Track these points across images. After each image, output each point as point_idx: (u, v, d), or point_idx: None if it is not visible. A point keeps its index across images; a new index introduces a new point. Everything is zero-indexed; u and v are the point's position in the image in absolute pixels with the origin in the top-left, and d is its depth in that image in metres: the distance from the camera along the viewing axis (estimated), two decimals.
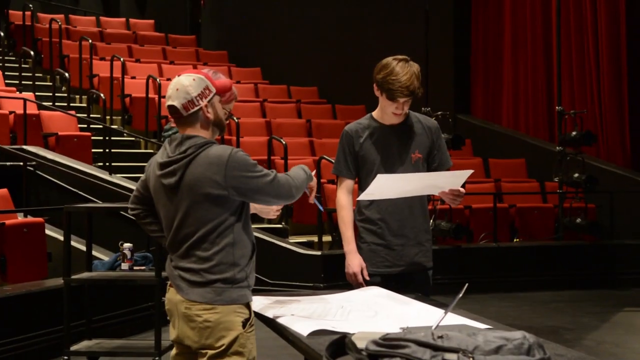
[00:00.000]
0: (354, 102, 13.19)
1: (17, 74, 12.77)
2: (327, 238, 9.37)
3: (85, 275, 5.87)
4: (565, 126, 10.75)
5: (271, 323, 3.05)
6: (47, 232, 7.43)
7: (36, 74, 12.76)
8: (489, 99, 13.40)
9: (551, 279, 9.75)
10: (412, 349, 1.89)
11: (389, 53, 3.87)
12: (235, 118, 11.01)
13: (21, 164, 8.47)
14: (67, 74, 12.33)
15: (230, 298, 2.95)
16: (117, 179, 9.46)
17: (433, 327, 2.43)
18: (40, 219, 7.32)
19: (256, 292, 3.20)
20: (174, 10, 18.12)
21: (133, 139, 11.73)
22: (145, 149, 11.89)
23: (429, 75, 10.29)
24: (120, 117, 12.22)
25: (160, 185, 2.99)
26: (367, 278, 3.78)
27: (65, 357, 5.59)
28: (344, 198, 3.89)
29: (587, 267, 9.96)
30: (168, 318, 3.11)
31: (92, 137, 10.65)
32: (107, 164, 9.85)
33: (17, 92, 11.50)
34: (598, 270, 10.00)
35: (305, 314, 3.08)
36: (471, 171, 3.76)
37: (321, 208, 3.74)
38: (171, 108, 2.98)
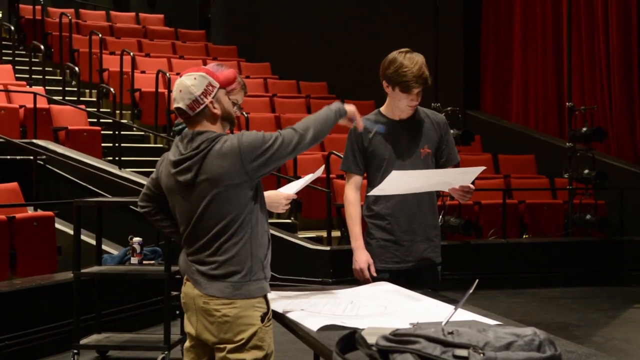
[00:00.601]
0: (364, 97, 13.15)
1: (27, 68, 12.80)
2: (336, 233, 9.37)
3: (94, 269, 5.89)
4: (575, 122, 10.71)
5: (281, 318, 3.05)
6: (57, 226, 7.45)
7: (46, 68, 12.79)
8: (499, 95, 13.37)
9: (560, 275, 9.72)
10: (422, 344, 1.89)
11: (398, 49, 3.86)
12: (244, 113, 11.01)
13: (31, 157, 8.50)
14: (77, 68, 12.36)
15: (249, 291, 2.95)
16: (126, 173, 9.48)
17: (443, 323, 2.43)
18: (50, 213, 7.34)
19: None
20: (183, 5, 18.15)
21: (143, 133, 11.75)
22: (155, 143, 11.92)
23: (439, 71, 10.27)
24: (129, 112, 12.24)
25: (175, 183, 2.99)
26: (374, 274, 3.78)
27: (75, 351, 5.61)
28: (352, 194, 3.89)
29: (597, 264, 9.93)
30: (184, 311, 3.10)
31: (102, 132, 10.68)
32: (117, 158, 9.87)
33: (28, 86, 11.54)
34: (607, 266, 9.97)
35: (315, 309, 3.08)
36: (483, 168, 3.75)
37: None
38: (178, 110, 3.00)
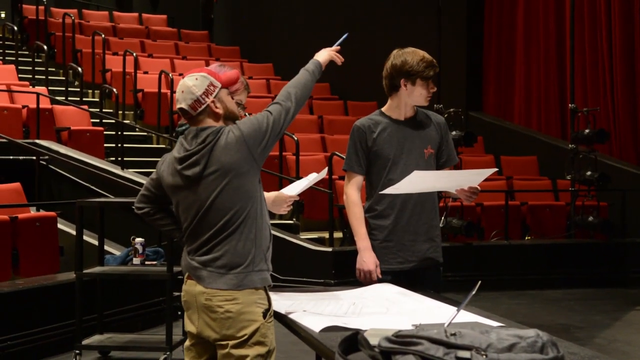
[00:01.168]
0: (366, 98, 13.17)
1: (30, 68, 12.81)
2: (338, 234, 9.36)
3: (97, 269, 5.89)
4: (577, 124, 10.70)
5: (283, 319, 3.05)
6: (60, 226, 7.45)
7: (49, 69, 12.79)
8: (501, 96, 13.36)
9: (562, 277, 9.71)
10: (425, 346, 1.89)
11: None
12: (247, 114, 11.01)
13: (34, 158, 8.50)
14: (80, 69, 12.37)
15: (252, 282, 2.99)
16: (129, 173, 9.49)
17: (446, 324, 2.43)
18: (52, 213, 7.35)
19: None
20: (186, 6, 18.15)
21: (145, 134, 11.76)
22: (158, 144, 11.92)
23: (441, 72, 10.18)
24: (132, 112, 12.25)
25: (182, 179, 3.03)
26: (380, 276, 3.77)
27: (77, 351, 5.62)
28: (355, 194, 3.88)
29: (599, 266, 9.92)
30: (185, 310, 3.11)
31: (105, 132, 10.69)
32: (119, 158, 9.87)
33: (30, 87, 11.55)
34: (610, 268, 9.96)
35: (317, 310, 3.08)
36: (495, 169, 3.79)
37: (342, 39, 3.72)
38: (181, 110, 3.06)
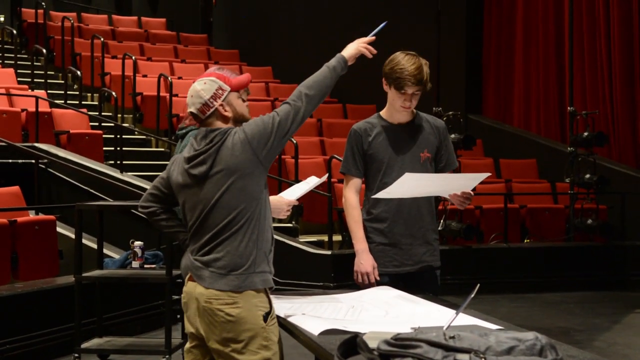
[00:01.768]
0: (365, 101, 13.17)
1: (29, 71, 12.81)
2: (337, 237, 9.36)
3: (96, 273, 5.89)
4: (576, 127, 10.70)
5: (282, 322, 3.05)
6: (59, 229, 7.44)
7: (48, 72, 12.79)
8: (501, 99, 13.37)
9: (562, 280, 9.71)
10: (424, 349, 1.89)
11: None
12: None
13: (33, 161, 8.50)
14: (79, 72, 12.37)
15: (253, 283, 2.99)
16: (128, 177, 9.48)
17: (445, 328, 2.43)
18: (51, 217, 7.34)
19: None
20: (185, 9, 18.15)
21: (144, 137, 11.75)
22: (157, 147, 11.92)
23: (440, 75, 10.27)
24: (131, 116, 12.25)
25: (189, 177, 3.05)
26: (378, 278, 3.77)
27: (76, 355, 5.61)
28: (353, 197, 3.88)
29: (598, 269, 9.93)
30: (185, 312, 3.11)
31: (104, 135, 10.68)
32: (118, 162, 9.86)
33: (29, 90, 11.55)
34: (609, 271, 9.96)
35: (316, 313, 3.08)
36: (488, 174, 3.77)
37: (379, 28, 3.53)
38: (191, 114, 3.10)
